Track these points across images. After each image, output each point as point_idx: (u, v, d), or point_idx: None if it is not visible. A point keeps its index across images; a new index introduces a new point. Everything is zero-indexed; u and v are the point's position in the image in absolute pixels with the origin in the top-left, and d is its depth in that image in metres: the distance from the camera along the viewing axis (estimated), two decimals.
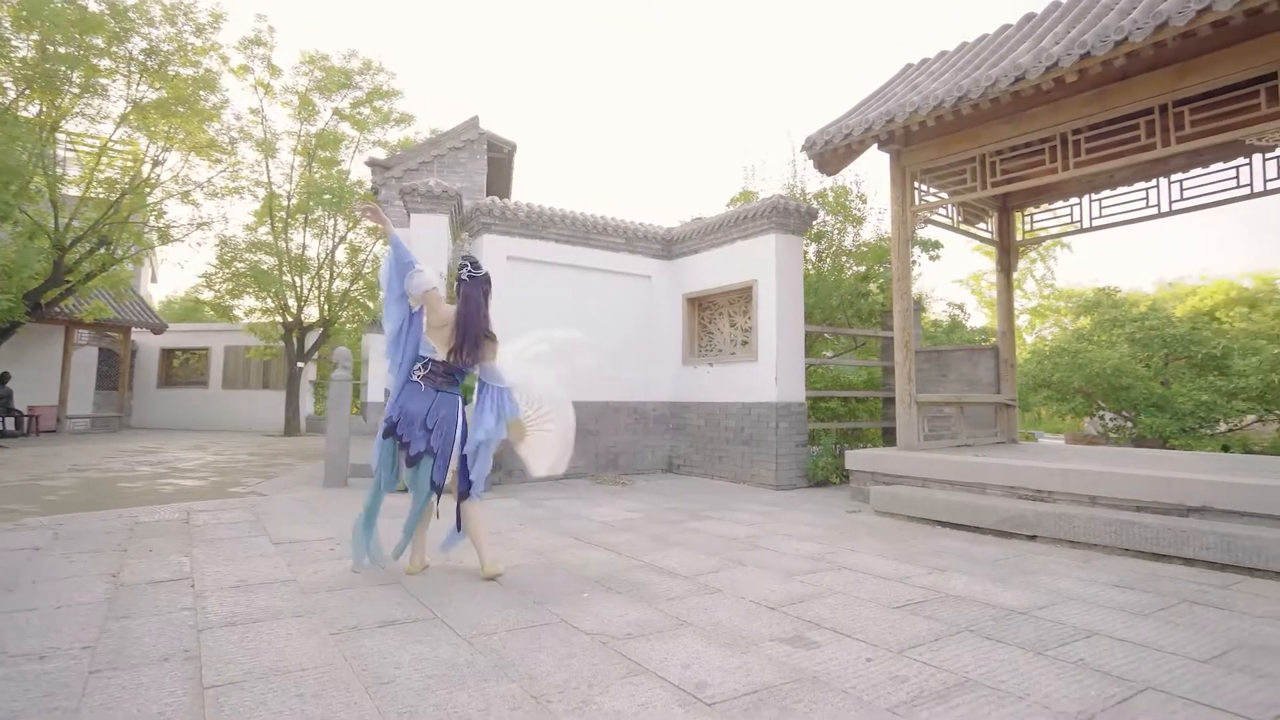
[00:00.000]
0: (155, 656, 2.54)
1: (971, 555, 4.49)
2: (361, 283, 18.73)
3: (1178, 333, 15.06)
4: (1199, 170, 6.68)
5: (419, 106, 36.50)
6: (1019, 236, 7.84)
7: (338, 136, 17.96)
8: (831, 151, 6.89)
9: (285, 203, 17.54)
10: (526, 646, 2.72)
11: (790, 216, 7.88)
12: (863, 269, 9.59)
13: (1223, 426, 14.10)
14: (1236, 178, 6.34)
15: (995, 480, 5.58)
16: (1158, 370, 15.08)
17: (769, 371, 7.78)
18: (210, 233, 16.70)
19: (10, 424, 15.09)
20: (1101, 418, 15.41)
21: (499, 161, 10.87)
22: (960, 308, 18.52)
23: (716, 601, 3.39)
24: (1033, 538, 4.95)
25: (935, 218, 7.15)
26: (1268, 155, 6.19)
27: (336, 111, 17.68)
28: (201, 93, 14.22)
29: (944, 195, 7.02)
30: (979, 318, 25.18)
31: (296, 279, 17.66)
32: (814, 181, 10.29)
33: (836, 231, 9.73)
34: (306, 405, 20.45)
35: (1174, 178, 6.70)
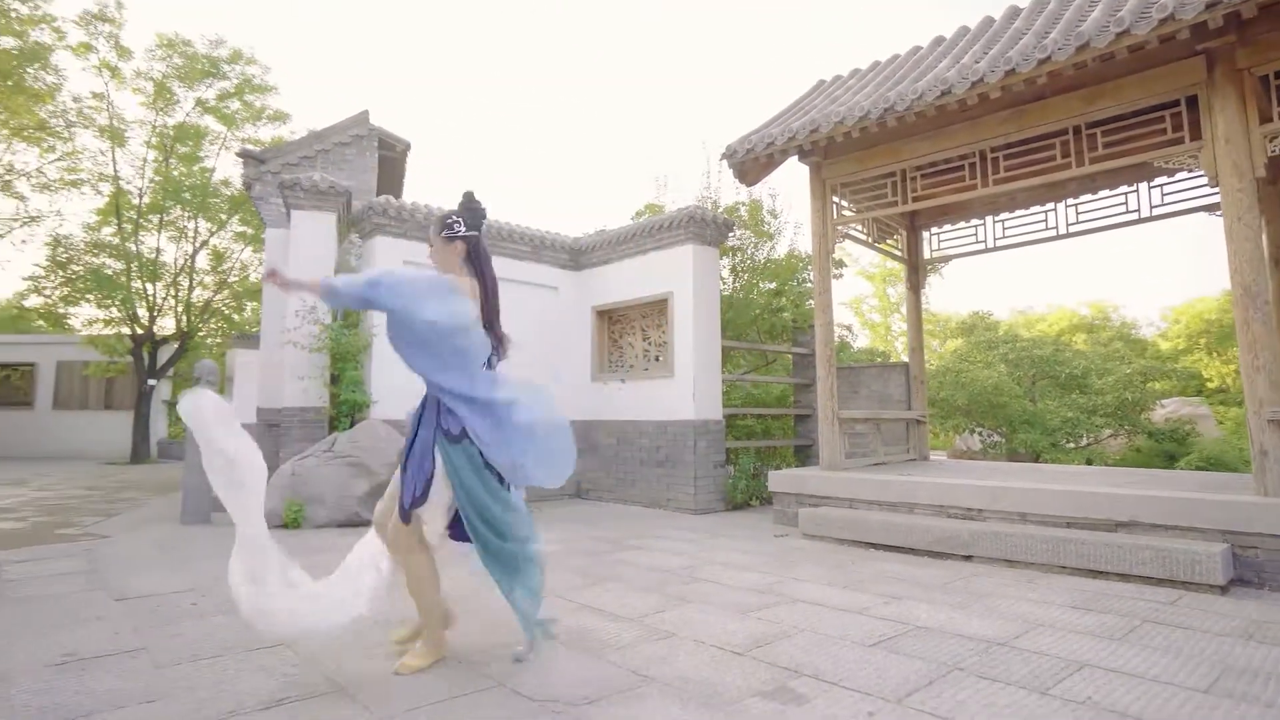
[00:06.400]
0: None
1: (917, 579, 4.29)
2: (227, 292, 16.99)
3: (1044, 354, 16.17)
4: (1089, 196, 7.01)
5: (297, 106, 34.15)
6: (927, 254, 7.99)
7: (200, 130, 16.27)
8: (752, 160, 6.71)
9: (136, 200, 15.66)
10: None
11: (707, 227, 7.64)
12: (774, 285, 9.54)
13: (1084, 440, 15.19)
14: (1125, 203, 6.68)
15: (924, 500, 5.47)
16: (1027, 389, 16.14)
17: (686, 388, 7.47)
18: (40, 229, 14.59)
19: None
20: (979, 434, 16.25)
21: (391, 161, 10.04)
22: (848, 329, 19.15)
23: (674, 648, 2.94)
24: (968, 558, 4.85)
25: (852, 233, 7.13)
26: (1152, 184, 6.57)
27: (200, 103, 16.02)
28: (30, 68, 12.42)
29: (857, 210, 7.01)
30: (862, 339, 26.27)
31: (148, 286, 15.75)
32: (728, 194, 10.20)
33: (750, 247, 9.65)
34: (159, 428, 18.23)
35: (1069, 202, 7.00)
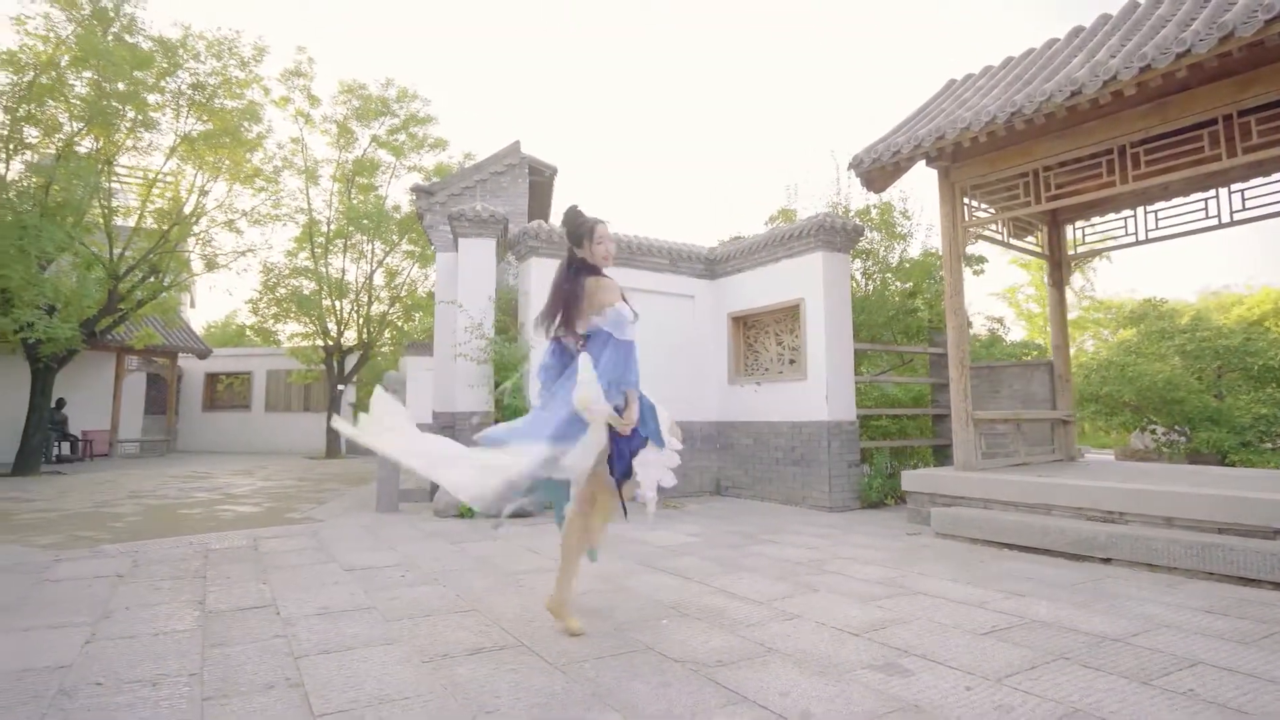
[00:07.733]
0: (260, 684, 2.59)
1: (1046, 579, 4.39)
2: (399, 306, 19.03)
3: (1231, 344, 14.65)
4: (1260, 180, 6.54)
5: (454, 130, 37.45)
6: (1071, 250, 7.73)
7: (375, 163, 18.35)
8: (879, 169, 6.87)
9: (325, 229, 17.93)
10: (620, 674, 2.72)
11: (836, 234, 7.86)
12: (909, 286, 9.51)
13: None
14: None
15: (1062, 501, 5.46)
16: (1210, 383, 14.68)
17: (819, 390, 7.73)
18: (254, 259, 17.12)
19: (66, 448, 15.53)
20: (1153, 432, 15.00)
21: (540, 185, 11.01)
22: (1000, 321, 18.21)
23: (797, 627, 3.35)
24: (1107, 560, 4.83)
25: (985, 233, 7.08)
26: None
27: (374, 139, 18.08)
28: (245, 123, 14.65)
29: (993, 211, 6.96)
30: (1017, 331, 24.73)
31: (336, 303, 18.00)
32: (858, 199, 10.28)
33: (883, 249, 9.68)
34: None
35: (1234, 187, 6.56)
